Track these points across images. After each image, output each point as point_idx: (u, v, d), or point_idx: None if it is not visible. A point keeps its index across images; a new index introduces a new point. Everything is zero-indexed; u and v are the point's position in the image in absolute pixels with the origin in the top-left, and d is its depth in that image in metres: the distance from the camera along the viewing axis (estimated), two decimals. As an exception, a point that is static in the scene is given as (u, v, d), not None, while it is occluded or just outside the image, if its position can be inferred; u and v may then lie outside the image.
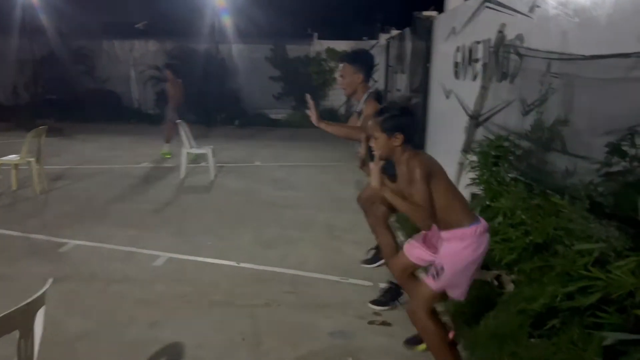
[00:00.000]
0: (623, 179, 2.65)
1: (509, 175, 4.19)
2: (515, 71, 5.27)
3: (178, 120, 8.24)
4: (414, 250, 2.94)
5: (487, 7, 6.37)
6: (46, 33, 15.12)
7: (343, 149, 11.35)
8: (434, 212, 2.53)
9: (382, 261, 4.30)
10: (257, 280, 4.18)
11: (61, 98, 15.21)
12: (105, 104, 15.32)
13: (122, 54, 16.04)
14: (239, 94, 15.71)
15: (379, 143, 2.66)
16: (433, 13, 9.66)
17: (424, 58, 9.38)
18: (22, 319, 1.89)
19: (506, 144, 4.31)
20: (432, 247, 2.83)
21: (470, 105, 6.83)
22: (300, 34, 16.58)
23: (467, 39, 7.07)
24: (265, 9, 15.63)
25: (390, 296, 3.79)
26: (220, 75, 15.54)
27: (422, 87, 9.41)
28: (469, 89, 6.90)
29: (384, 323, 3.52)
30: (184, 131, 8.00)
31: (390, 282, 3.83)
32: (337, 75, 15.47)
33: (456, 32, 7.71)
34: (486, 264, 4.10)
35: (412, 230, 5.02)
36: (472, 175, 5.38)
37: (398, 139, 2.61)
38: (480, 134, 5.55)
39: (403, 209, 2.56)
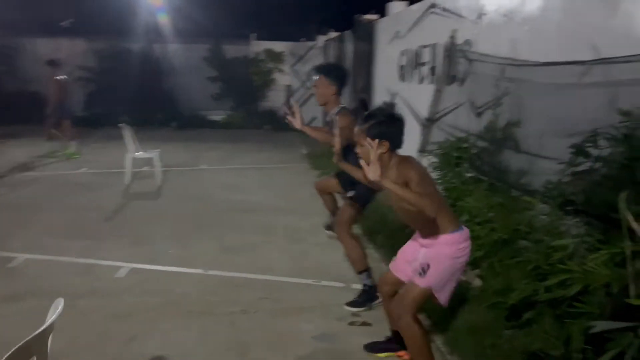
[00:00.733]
0: (590, 178, 2.86)
1: (471, 174, 4.39)
2: (465, 75, 5.53)
3: (121, 124, 7.90)
4: (397, 266, 2.97)
5: (433, 13, 6.63)
6: (-40, 30, 13.99)
7: (288, 151, 11.38)
8: (446, 210, 2.62)
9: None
10: (228, 288, 4.12)
11: (-20, 100, 14.12)
12: (31, 106, 14.37)
13: (47, 53, 15.09)
14: (175, 95, 15.29)
15: (366, 151, 2.61)
16: (374, 16, 9.89)
17: (367, 60, 9.60)
18: (38, 346, 1.77)
19: (466, 145, 4.50)
20: (410, 257, 2.85)
21: (417, 107, 7.09)
22: (238, 34, 16.38)
23: (413, 43, 7.32)
24: (202, 9, 15.32)
25: (366, 297, 3.88)
26: (156, 76, 15.05)
27: (366, 89, 9.63)
28: (416, 92, 7.16)
29: (364, 323, 3.58)
30: (128, 135, 7.68)
31: (365, 284, 3.92)
32: (280, 77, 15.59)
33: (400, 36, 7.95)
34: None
35: (383, 240, 5.14)
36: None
37: (384, 146, 2.62)
38: (434, 135, 5.77)
39: (407, 197, 2.48)
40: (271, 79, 15.63)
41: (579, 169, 3.06)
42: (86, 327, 3.43)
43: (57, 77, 9.70)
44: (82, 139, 11.05)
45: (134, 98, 14.59)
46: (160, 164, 7.80)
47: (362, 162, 2.64)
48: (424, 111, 6.62)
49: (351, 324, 3.58)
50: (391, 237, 4.73)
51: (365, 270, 3.91)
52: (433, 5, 6.58)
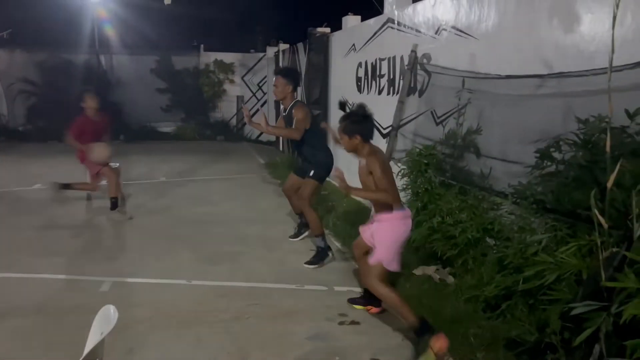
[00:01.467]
0: (557, 179, 3.21)
1: (440, 179, 4.69)
2: (424, 87, 5.88)
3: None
4: (364, 233, 3.68)
5: (390, 27, 6.97)
6: None
7: (245, 161, 11.46)
8: (395, 193, 3.37)
9: (305, 234, 5.54)
10: (216, 296, 4.20)
11: None
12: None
13: (-17, 64, 14.42)
14: (123, 107, 14.94)
15: (344, 142, 3.50)
16: (327, 30, 10.18)
17: (322, 72, 9.86)
18: (100, 350, 1.84)
19: (434, 152, 4.81)
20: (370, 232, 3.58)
21: (376, 116, 7.38)
22: (186, 45, 16.28)
23: (370, 56, 7.65)
24: (149, 20, 15.14)
25: (320, 257, 4.91)
26: (102, 88, 14.65)
27: (322, 100, 9.87)
28: (375, 102, 7.46)
29: (352, 322, 3.77)
30: (87, 149, 7.52)
31: (319, 246, 4.95)
32: (230, 88, 15.58)
33: (357, 49, 8.26)
34: (427, 258, 4.58)
35: (344, 234, 5.45)
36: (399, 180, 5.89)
37: (357, 139, 3.43)
38: (399, 144, 6.07)
39: (371, 198, 3.43)
40: (222, 89, 15.64)
41: (545, 171, 3.40)
42: (79, 342, 3.37)
43: None
44: (31, 154, 10.66)
45: (79, 110, 14.15)
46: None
47: (335, 179, 3.40)
48: (384, 121, 6.94)
49: (341, 323, 3.76)
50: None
51: (321, 234, 4.94)
52: (390, 21, 6.92)
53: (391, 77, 6.86)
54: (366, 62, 7.78)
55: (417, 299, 3.97)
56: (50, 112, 14.13)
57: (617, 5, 2.41)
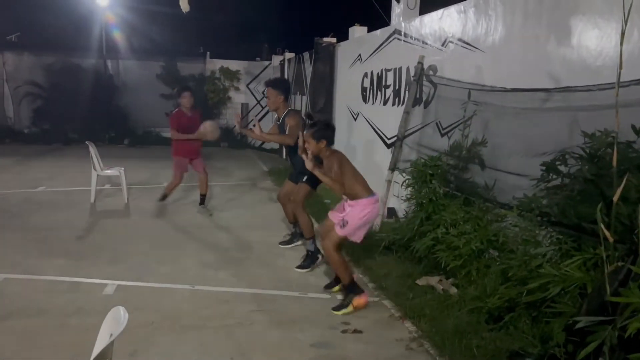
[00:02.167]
0: (563, 192, 3.22)
1: (445, 190, 4.71)
2: (429, 98, 5.91)
3: (87, 142, 7.78)
4: (333, 215, 4.17)
5: (397, 38, 7.03)
6: None
7: (249, 168, 11.49)
8: (344, 185, 3.98)
9: (297, 243, 5.62)
10: (219, 302, 4.20)
11: None
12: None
13: (-8, 66, 14.51)
14: (128, 111, 15.04)
15: (311, 146, 4.06)
16: (333, 39, 10.25)
17: (328, 81, 9.92)
18: (110, 351, 1.84)
19: (439, 163, 4.83)
20: (342, 211, 4.10)
21: (381, 127, 7.44)
22: (192, 52, 16.37)
23: (376, 67, 7.70)
24: (156, 26, 15.25)
25: (310, 260, 5.02)
26: (108, 92, 14.77)
27: (327, 109, 9.92)
28: (380, 112, 7.52)
29: (355, 331, 3.77)
30: (93, 152, 7.57)
31: (309, 251, 5.05)
32: (235, 95, 15.65)
33: (363, 59, 8.32)
34: (430, 269, 4.59)
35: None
36: (397, 189, 5.90)
37: (323, 143, 4.05)
38: (404, 154, 6.09)
39: (326, 182, 4.00)
40: (227, 96, 15.70)
41: (551, 184, 3.42)
42: (82, 344, 3.38)
43: None
44: (35, 156, 10.71)
45: (85, 114, 14.26)
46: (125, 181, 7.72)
47: (303, 156, 4.05)
48: (389, 131, 6.98)
49: (344, 332, 3.75)
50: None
51: (311, 238, 5.06)
52: (397, 32, 6.98)
53: (397, 87, 6.91)
54: (372, 73, 7.83)
55: (419, 308, 3.97)
56: (55, 115, 14.25)
57: (626, 22, 2.43)
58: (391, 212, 6.24)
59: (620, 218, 2.70)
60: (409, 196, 5.08)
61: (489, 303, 3.59)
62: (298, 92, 12.43)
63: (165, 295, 4.29)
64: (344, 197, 4.12)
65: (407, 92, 6.40)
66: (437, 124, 5.67)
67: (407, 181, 5.12)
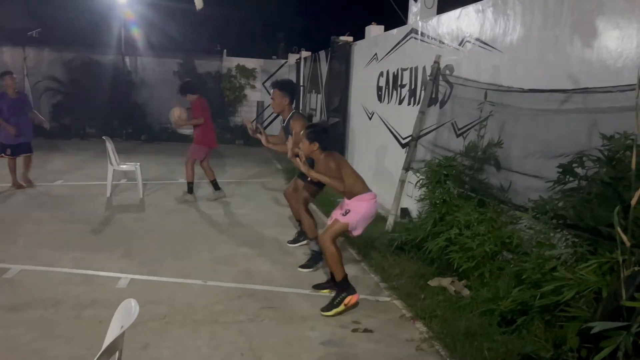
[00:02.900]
0: (579, 195, 3.17)
1: (459, 191, 4.67)
2: (445, 98, 5.86)
3: (104, 137, 7.87)
4: (334, 212, 4.18)
5: (414, 38, 6.98)
6: None
7: (263, 166, 11.51)
8: (343, 181, 3.94)
9: (304, 242, 5.59)
10: (231, 298, 4.22)
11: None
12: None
13: (13, 62, 14.72)
14: (145, 107, 15.16)
15: (304, 147, 4.10)
16: (349, 38, 10.22)
17: (344, 80, 9.89)
18: (120, 342, 1.86)
19: (454, 163, 4.79)
20: (343, 208, 4.12)
21: (396, 126, 7.40)
22: (209, 49, 16.46)
23: (392, 66, 7.66)
24: (174, 23, 15.36)
25: (314, 260, 5.01)
26: (126, 88, 14.91)
27: (341, 108, 9.90)
28: (395, 112, 7.48)
29: (366, 330, 3.76)
30: (109, 148, 7.65)
31: (313, 251, 5.06)
32: (251, 93, 15.71)
33: (379, 58, 8.28)
34: (442, 270, 4.55)
35: (358, 241, 5.46)
36: (411, 189, 5.87)
37: (315, 146, 4.05)
38: (418, 154, 6.06)
39: (325, 181, 3.98)
40: (243, 94, 15.77)
41: (567, 187, 3.36)
42: (96, 336, 3.41)
43: None
44: (54, 150, 10.85)
45: (103, 110, 14.43)
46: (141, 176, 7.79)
47: (294, 160, 4.11)
48: (404, 131, 6.94)
49: (354, 330, 3.75)
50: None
51: (315, 238, 4.98)
52: (413, 31, 6.93)
53: (412, 87, 6.86)
54: (388, 72, 7.79)
55: (431, 309, 3.95)
56: (74, 110, 14.44)
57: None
58: (404, 212, 6.21)
59: (638, 222, 2.65)
60: (422, 196, 5.04)
61: (502, 306, 3.55)
62: (313, 91, 12.42)
63: (178, 290, 4.33)
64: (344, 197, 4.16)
65: (422, 92, 6.35)
66: (452, 124, 5.62)
67: (421, 181, 5.08)
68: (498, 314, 3.64)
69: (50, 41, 15.12)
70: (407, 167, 5.90)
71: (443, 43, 6.11)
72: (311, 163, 4.23)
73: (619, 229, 2.59)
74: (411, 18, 7.40)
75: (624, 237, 2.59)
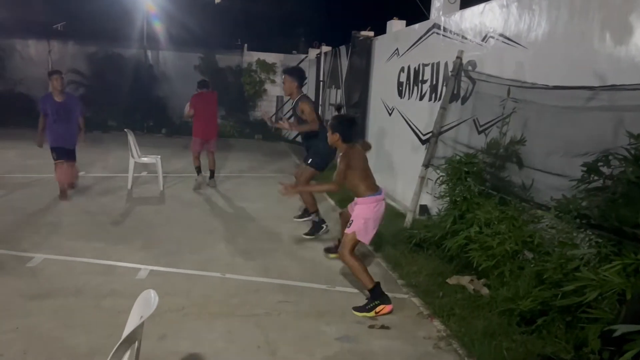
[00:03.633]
0: (604, 195, 3.10)
1: (480, 188, 4.61)
2: (467, 94, 5.79)
3: (126, 129, 7.97)
4: (350, 209, 4.31)
5: (436, 33, 6.90)
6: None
7: (282, 160, 11.55)
8: (339, 187, 4.13)
9: (309, 217, 6.10)
10: (248, 291, 4.24)
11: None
12: (15, 108, 14.22)
13: (38, 55, 15.01)
14: (166, 101, 15.31)
15: (329, 137, 4.23)
16: (370, 33, 10.16)
17: (364, 75, 9.84)
18: (139, 333, 1.88)
19: (476, 160, 4.73)
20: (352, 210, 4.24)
21: (416, 122, 7.34)
22: (230, 44, 16.54)
23: (413, 61, 7.59)
24: (195, 18, 15.44)
25: (315, 229, 5.81)
26: (148, 82, 15.08)
27: (361, 103, 9.86)
28: (415, 107, 7.41)
29: (382, 327, 3.75)
30: (131, 140, 7.74)
31: (313, 221, 5.86)
32: (271, 88, 15.77)
33: (400, 53, 8.21)
34: (461, 268, 4.51)
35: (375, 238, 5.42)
36: (431, 186, 5.82)
37: (336, 136, 4.16)
38: (439, 150, 6.00)
39: (315, 190, 5.31)
40: (263, 89, 15.82)
41: (591, 186, 3.30)
42: (114, 325, 3.48)
43: None
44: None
45: (124, 103, 14.63)
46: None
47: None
48: (423, 126, 6.88)
49: (370, 327, 3.73)
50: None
51: (315, 212, 5.87)
52: (436, 26, 6.86)
53: (434, 83, 6.79)
54: (409, 67, 7.73)
55: (449, 308, 3.92)
56: (96, 103, 14.64)
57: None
58: (423, 209, 6.17)
59: (665, 223, 2.59)
60: (442, 193, 5.00)
61: (522, 305, 3.50)
62: (333, 86, 12.39)
63: (196, 282, 4.37)
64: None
65: (444, 88, 6.29)
66: (474, 120, 5.55)
67: (441, 178, 5.03)
68: (517, 313, 3.59)
69: (74, 35, 15.36)
70: (427, 164, 5.85)
71: (466, 38, 6.03)
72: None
73: (645, 230, 2.54)
74: (434, 13, 7.31)
75: (650, 238, 2.53)
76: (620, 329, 2.49)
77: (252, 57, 15.98)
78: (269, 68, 15.78)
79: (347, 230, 4.04)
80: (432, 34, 7.05)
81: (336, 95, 12.07)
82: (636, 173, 3.00)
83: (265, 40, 17.21)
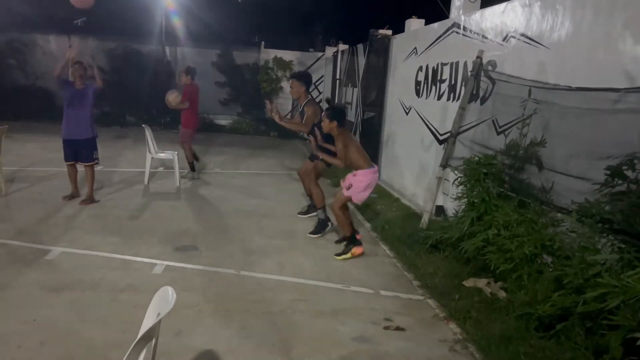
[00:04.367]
0: (629, 199, 3.03)
1: (499, 190, 4.55)
2: (486, 94, 5.71)
3: (143, 125, 8.02)
4: (344, 181, 5.06)
5: (455, 32, 6.82)
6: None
7: (298, 158, 11.52)
8: (346, 160, 4.95)
9: (314, 213, 6.22)
10: (263, 289, 4.24)
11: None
12: (36, 101, 14.40)
13: (58, 49, 15.15)
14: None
15: (325, 124, 5.00)
16: (388, 32, 10.09)
17: (381, 74, 9.78)
18: (156, 330, 1.88)
19: (495, 162, 4.66)
20: (349, 180, 5.02)
21: (433, 121, 7.27)
22: (247, 41, 16.56)
23: (432, 60, 7.51)
24: (213, 14, 15.49)
25: (321, 227, 5.85)
26: (166, 78, 15.15)
27: (378, 102, 9.80)
28: (433, 107, 7.34)
29: (397, 328, 3.71)
30: (148, 136, 7.79)
31: (319, 218, 5.88)
32: (287, 85, 15.74)
33: (418, 52, 8.14)
34: (478, 271, 4.45)
35: (392, 238, 5.41)
36: (448, 187, 5.75)
37: (334, 124, 4.95)
38: (457, 151, 5.94)
39: (328, 160, 5.17)
40: (279, 86, 15.82)
41: (615, 190, 3.22)
42: (131, 320, 3.51)
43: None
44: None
45: (142, 99, 14.72)
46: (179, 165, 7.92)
47: (311, 139, 5.46)
48: (441, 126, 6.81)
49: (386, 328, 3.70)
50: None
51: (322, 207, 5.84)
52: (455, 25, 6.78)
53: (452, 82, 6.71)
54: (427, 67, 7.65)
55: (465, 310, 3.87)
56: (115, 98, 14.74)
57: None
58: (440, 210, 6.11)
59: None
60: (459, 195, 4.93)
61: (540, 310, 3.45)
62: (350, 84, 12.34)
63: (212, 279, 4.37)
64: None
65: (463, 88, 6.22)
66: (493, 121, 5.47)
67: (459, 179, 4.97)
68: (535, 318, 3.53)
69: (94, 30, 15.50)
70: (444, 164, 5.79)
71: (486, 38, 5.95)
72: (327, 138, 5.23)
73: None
74: (453, 12, 7.23)
75: (677, 245, 2.46)
76: (645, 337, 2.43)
77: (269, 54, 15.99)
78: (285, 65, 15.78)
79: (346, 193, 4.99)
80: (451, 33, 6.97)
81: (352, 94, 12.02)
82: (662, 178, 2.92)
83: (282, 37, 17.21)
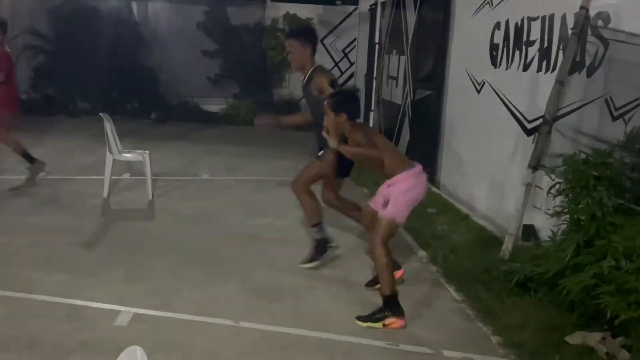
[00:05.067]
0: None
1: (615, 201, 4.48)
2: (597, 62, 5.66)
3: (102, 114, 8.11)
4: (375, 200, 4.90)
5: (548, -29, 6.78)
6: None
7: (306, 156, 11.52)
8: (396, 155, 4.85)
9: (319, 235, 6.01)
10: (273, 347, 4.24)
11: None
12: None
13: (-17, 9, 15.55)
14: (158, 74, 15.56)
15: (329, 119, 4.78)
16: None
17: (440, 36, 9.77)
18: None
19: (610, 160, 4.60)
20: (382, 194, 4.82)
21: (518, 102, 7.22)
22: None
23: (514, 14, 7.48)
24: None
25: (318, 251, 5.79)
26: (133, 47, 15.36)
27: (435, 76, 9.79)
28: (517, 81, 7.30)
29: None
30: (108, 129, 7.87)
31: (316, 241, 5.82)
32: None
33: (493, 3, 8.11)
34: (587, 321, 4.39)
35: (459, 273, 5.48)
36: (541, 198, 5.69)
37: (343, 117, 4.71)
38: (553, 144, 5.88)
39: (358, 153, 4.76)
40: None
41: None
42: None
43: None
44: (33, 131, 11.33)
45: (100, 76, 14.93)
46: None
47: (324, 134, 4.84)
48: (531, 110, 6.76)
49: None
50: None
51: (317, 224, 5.78)
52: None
53: (545, 45, 6.68)
54: (507, 23, 7.63)
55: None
56: (62, 76, 14.98)
57: None
58: (529, 231, 6.06)
59: None
60: (558, 209, 4.89)
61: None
62: (394, 51, 12.36)
63: (198, 332, 4.39)
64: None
65: (561, 53, 6.17)
66: (607, 100, 5.43)
67: (557, 186, 4.93)
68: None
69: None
70: (535, 165, 5.75)
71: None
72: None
73: None
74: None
75: None
76: None
77: (278, 10, 16.10)
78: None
79: (385, 216, 4.65)
80: (542, -28, 6.94)
81: (398, 65, 12.04)
82: None
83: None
